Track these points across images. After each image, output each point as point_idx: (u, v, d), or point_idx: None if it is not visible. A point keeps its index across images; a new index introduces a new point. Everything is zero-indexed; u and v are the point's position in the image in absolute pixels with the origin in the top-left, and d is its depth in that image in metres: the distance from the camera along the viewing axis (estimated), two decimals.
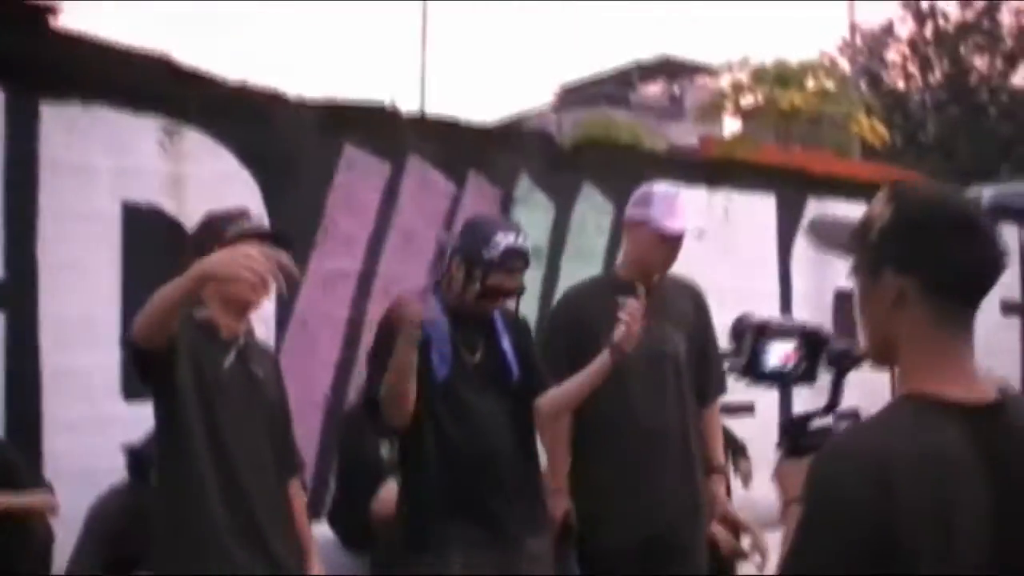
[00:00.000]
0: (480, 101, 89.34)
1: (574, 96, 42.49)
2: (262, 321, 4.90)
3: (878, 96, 30.30)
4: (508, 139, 7.33)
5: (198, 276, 3.10)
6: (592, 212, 7.38)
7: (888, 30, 38.74)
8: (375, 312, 6.26)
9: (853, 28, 38.70)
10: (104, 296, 5.32)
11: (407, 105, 7.96)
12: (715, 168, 8.68)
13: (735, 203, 8.18)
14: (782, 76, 21.45)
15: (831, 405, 2.06)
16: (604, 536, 4.28)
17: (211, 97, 5.76)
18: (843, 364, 2.09)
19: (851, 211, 9.34)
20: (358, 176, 6.32)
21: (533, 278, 6.65)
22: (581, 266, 7.05)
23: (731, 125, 30.29)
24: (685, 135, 27.75)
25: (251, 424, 3.51)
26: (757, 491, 4.68)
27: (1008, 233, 11.50)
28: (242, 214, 3.68)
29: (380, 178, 6.43)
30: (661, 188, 4.48)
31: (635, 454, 4.28)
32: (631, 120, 28.55)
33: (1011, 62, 36.97)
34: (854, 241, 1.83)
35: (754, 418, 6.99)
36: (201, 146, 5.70)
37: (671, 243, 4.30)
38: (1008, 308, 11.26)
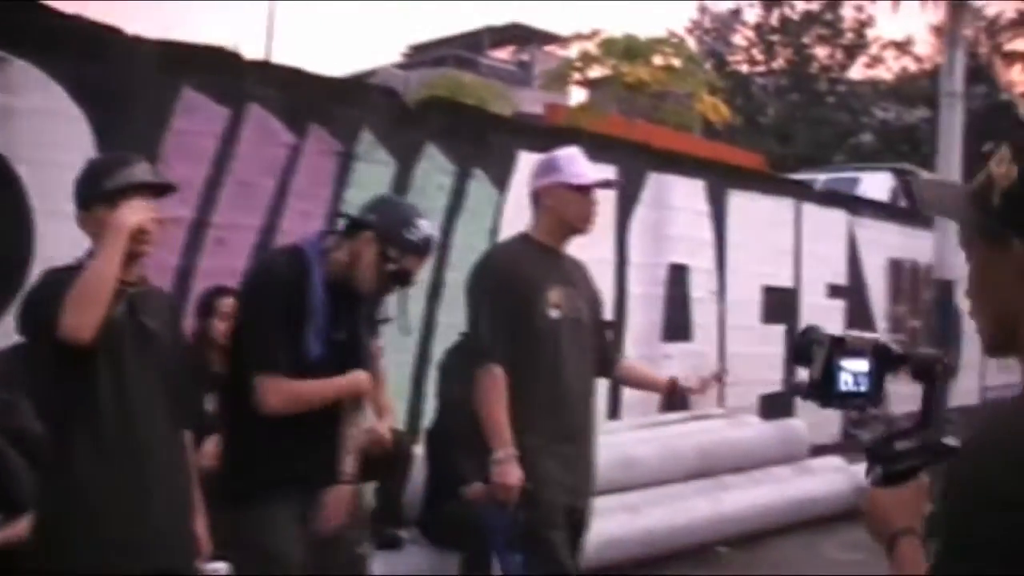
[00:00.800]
0: (328, 55, 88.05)
1: (423, 56, 42.35)
2: None
3: (722, 77, 30.88)
4: (352, 92, 7.22)
5: (123, 232, 3.23)
6: (434, 172, 7.32)
7: (736, 14, 39.53)
8: (207, 262, 6.12)
9: (702, 9, 39.45)
10: None
11: (253, 55, 7.76)
12: (558, 136, 8.69)
13: None
14: (630, 50, 21.72)
15: (924, 423, 1.86)
16: (543, 495, 4.31)
17: (43, 27, 5.50)
18: (934, 375, 1.88)
19: (689, 187, 9.57)
20: (195, 120, 6.13)
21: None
22: None
23: (578, 95, 30.55)
24: (533, 102, 27.85)
25: (143, 375, 3.42)
26: None
27: (836, 218, 11.87)
28: (123, 162, 3.56)
29: (218, 123, 6.24)
30: (561, 151, 4.59)
31: (568, 418, 4.41)
32: (482, 83, 28.53)
33: (850, 54, 38.17)
34: (970, 205, 1.56)
35: None
36: (31, 78, 5.43)
37: (587, 195, 4.43)
38: (833, 291, 11.63)
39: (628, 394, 8.78)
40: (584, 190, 4.42)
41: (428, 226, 3.87)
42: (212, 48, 6.36)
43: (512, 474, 4.22)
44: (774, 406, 10.35)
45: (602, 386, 8.38)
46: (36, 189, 5.26)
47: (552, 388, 4.36)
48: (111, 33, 5.81)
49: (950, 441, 1.80)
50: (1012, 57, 32.17)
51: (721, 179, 10.11)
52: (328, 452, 3.93)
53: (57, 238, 4.24)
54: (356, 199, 6.60)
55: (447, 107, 8.60)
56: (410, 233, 3.78)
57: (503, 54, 47.73)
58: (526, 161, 7.42)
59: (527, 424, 4.29)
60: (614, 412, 8.68)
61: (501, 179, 7.68)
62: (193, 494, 3.69)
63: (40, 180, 5.23)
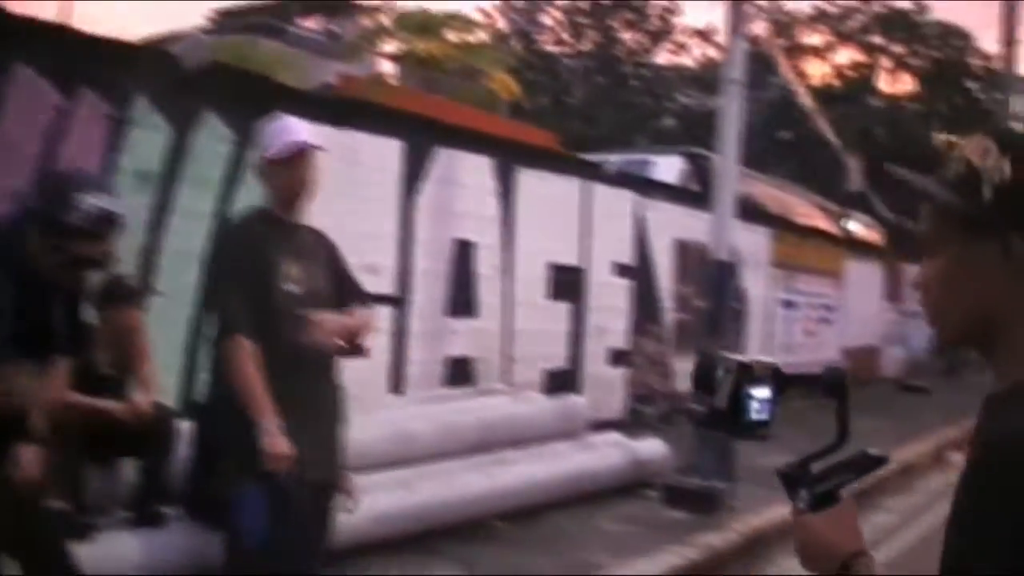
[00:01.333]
0: (134, 16, 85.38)
1: (230, 22, 41.41)
2: None
3: (529, 57, 31.18)
4: (127, 55, 6.94)
5: None
6: (211, 140, 7.12)
7: None
8: None
9: None
10: None
11: (51, 14, 7.41)
12: (343, 107, 8.61)
13: (360, 144, 8.09)
14: (424, 24, 21.76)
15: (841, 441, 1.79)
16: (303, 471, 4.27)
17: None
18: (845, 391, 1.81)
19: (477, 163, 9.60)
20: None
21: (141, 205, 6.39)
22: (196, 194, 6.84)
23: (387, 68, 30.38)
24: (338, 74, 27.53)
25: None
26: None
27: (625, 199, 12.10)
28: None
29: None
30: (270, 123, 4.60)
31: (313, 394, 4.45)
32: (281, 50, 28.07)
33: (655, 40, 39.01)
34: (952, 196, 1.53)
35: None
36: None
37: (293, 165, 4.39)
38: (620, 270, 11.86)
39: (412, 369, 8.79)
40: (285, 161, 4.39)
41: (96, 200, 3.51)
42: None
43: (282, 443, 4.18)
44: (558, 382, 10.52)
45: (384, 361, 8.40)
46: None
47: (296, 364, 4.33)
48: None
49: (873, 451, 1.78)
50: (804, 51, 33.40)
51: (510, 157, 10.18)
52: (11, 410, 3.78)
53: None
54: (129, 165, 6.42)
55: (228, 74, 8.39)
56: (69, 215, 3.44)
57: (314, 23, 47.03)
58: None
59: (276, 400, 4.26)
60: (396, 387, 8.67)
61: None
62: None
63: None
